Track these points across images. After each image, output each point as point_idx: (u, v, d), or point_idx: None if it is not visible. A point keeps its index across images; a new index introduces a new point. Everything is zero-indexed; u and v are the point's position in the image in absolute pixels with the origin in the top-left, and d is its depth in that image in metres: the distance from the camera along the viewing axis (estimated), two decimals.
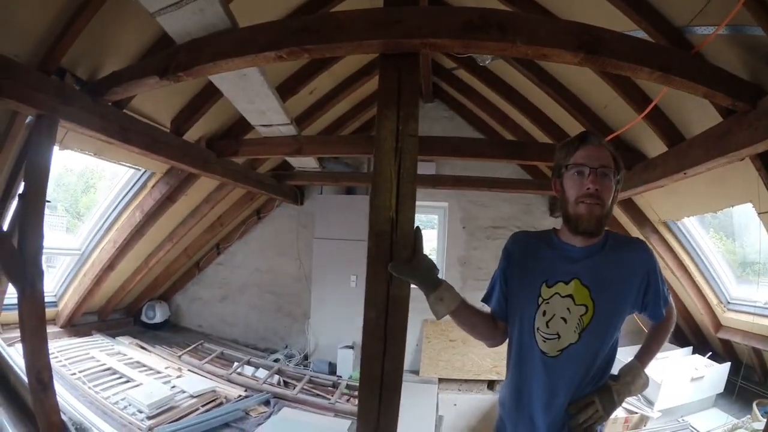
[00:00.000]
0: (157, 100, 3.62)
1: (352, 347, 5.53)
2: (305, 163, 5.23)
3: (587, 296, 1.59)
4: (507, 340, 1.79)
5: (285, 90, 3.87)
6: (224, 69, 2.40)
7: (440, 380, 5.55)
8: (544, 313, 1.62)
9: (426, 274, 1.72)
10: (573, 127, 3.97)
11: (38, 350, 2.75)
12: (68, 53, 2.72)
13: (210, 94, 3.70)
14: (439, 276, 1.75)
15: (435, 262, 1.81)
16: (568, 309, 1.59)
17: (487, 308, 1.84)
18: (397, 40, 1.91)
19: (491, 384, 5.55)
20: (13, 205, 3.44)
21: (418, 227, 1.80)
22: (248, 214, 6.65)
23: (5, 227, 3.45)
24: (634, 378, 1.70)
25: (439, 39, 1.90)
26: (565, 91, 3.76)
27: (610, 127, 3.68)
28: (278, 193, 5.87)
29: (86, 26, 2.62)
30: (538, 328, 1.63)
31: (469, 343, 5.45)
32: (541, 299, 1.64)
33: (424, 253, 1.79)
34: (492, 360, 5.45)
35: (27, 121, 3.02)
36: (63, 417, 3.18)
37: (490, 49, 2.00)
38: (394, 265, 1.74)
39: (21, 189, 2.81)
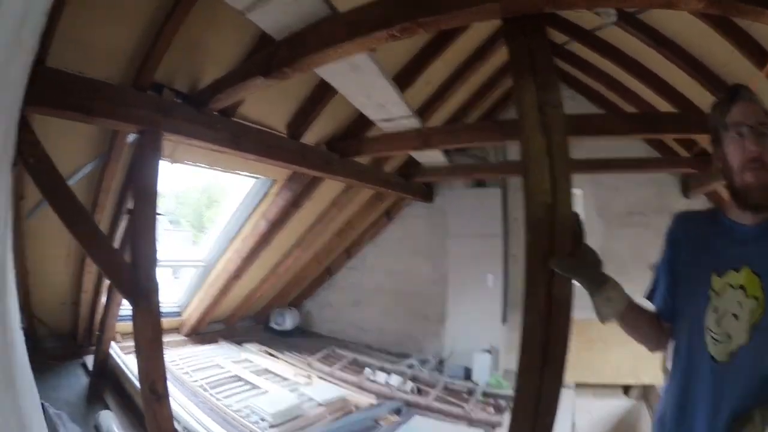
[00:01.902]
0: (268, 106, 3.53)
1: (489, 351, 5.15)
2: (432, 157, 4.92)
3: (758, 286, 1.25)
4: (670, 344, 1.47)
5: (400, 83, 3.54)
6: (332, 57, 2.21)
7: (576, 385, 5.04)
8: (716, 310, 1.29)
9: (592, 269, 1.43)
10: (694, 92, 3.54)
11: (153, 361, 2.69)
12: (162, 68, 2.70)
13: (323, 93, 3.54)
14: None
15: None
16: (739, 303, 1.26)
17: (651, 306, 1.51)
18: (518, 0, 1.66)
19: (627, 389, 5.03)
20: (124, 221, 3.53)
21: (576, 212, 1.51)
22: (378, 216, 6.42)
23: (117, 244, 3.54)
24: None
25: None
26: (683, 52, 3.30)
27: None
28: (407, 191, 5.60)
29: (174, 40, 2.57)
30: (707, 328, 1.30)
31: (609, 343, 4.86)
32: (711, 292, 1.31)
33: (587, 243, 1.49)
34: (631, 362, 4.88)
35: (130, 139, 3.05)
36: (177, 426, 3.15)
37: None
38: (558, 260, 1.46)
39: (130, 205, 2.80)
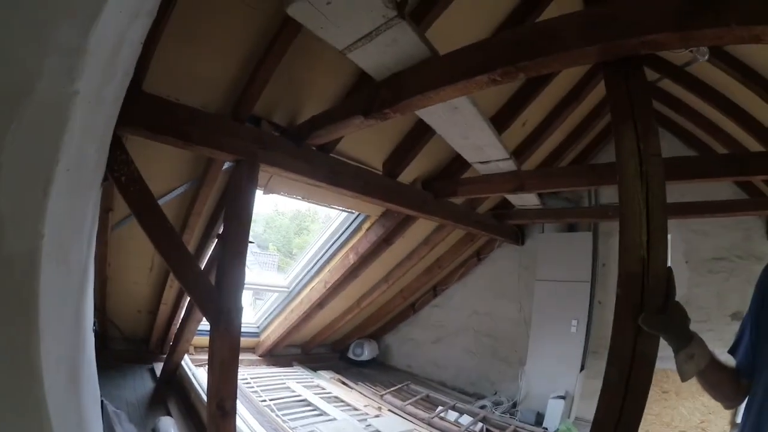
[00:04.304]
0: (365, 144, 3.62)
1: (563, 397, 4.96)
2: (526, 200, 4.91)
3: None
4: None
5: (496, 124, 3.56)
6: (434, 101, 2.24)
7: None
8: None
9: (680, 326, 1.39)
10: None
11: (225, 380, 2.75)
12: (261, 102, 2.81)
13: (421, 133, 3.61)
14: None
15: None
16: None
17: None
18: (615, 43, 1.63)
19: None
20: (212, 245, 3.66)
21: (669, 268, 1.48)
22: (468, 256, 6.40)
23: (203, 266, 3.67)
24: None
25: (656, 34, 1.57)
26: None
27: None
28: (499, 233, 5.56)
29: (272, 75, 2.66)
30: None
31: (681, 395, 4.67)
32: None
33: (676, 300, 1.45)
34: (700, 414, 4.62)
35: (224, 167, 3.18)
36: None
37: (708, 38, 1.59)
38: (647, 317, 1.43)
39: (221, 230, 2.89)
